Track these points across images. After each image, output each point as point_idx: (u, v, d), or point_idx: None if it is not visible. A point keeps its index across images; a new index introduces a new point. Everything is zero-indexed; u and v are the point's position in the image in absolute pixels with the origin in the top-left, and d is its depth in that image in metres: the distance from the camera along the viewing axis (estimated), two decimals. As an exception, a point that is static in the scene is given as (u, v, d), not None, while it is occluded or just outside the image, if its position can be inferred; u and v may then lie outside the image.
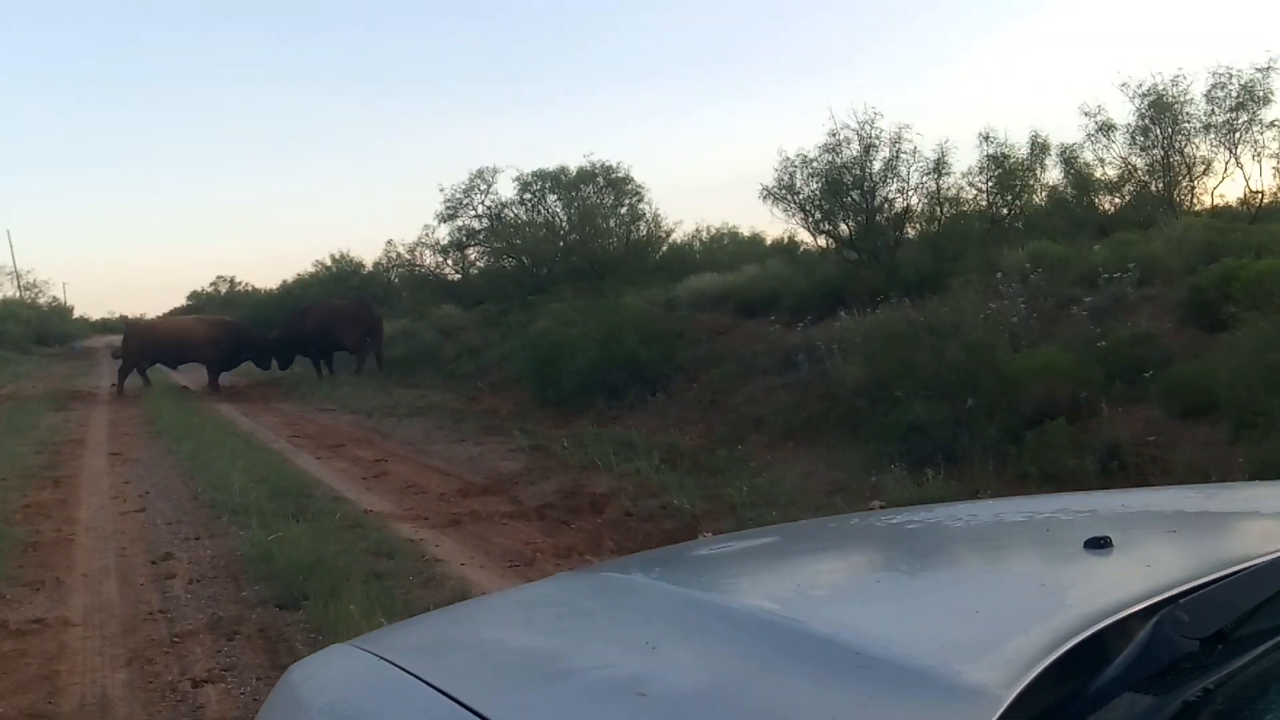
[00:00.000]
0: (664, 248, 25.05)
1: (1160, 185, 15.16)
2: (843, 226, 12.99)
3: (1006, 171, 12.58)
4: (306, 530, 6.18)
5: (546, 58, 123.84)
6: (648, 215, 24.56)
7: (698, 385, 10.76)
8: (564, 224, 24.96)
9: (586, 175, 25.19)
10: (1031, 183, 13.14)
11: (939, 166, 12.23)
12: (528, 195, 25.38)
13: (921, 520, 1.75)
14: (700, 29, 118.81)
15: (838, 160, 12.69)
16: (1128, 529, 1.44)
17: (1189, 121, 14.66)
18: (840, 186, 12.39)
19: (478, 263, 27.09)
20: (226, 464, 9.10)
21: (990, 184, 12.75)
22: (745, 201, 70.08)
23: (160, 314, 34.71)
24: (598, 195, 25.15)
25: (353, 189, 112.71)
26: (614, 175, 25.16)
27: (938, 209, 12.58)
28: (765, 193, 13.49)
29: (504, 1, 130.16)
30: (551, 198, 25.53)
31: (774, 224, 46.87)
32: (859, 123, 12.45)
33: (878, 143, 12.41)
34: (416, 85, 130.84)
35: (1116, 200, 15.73)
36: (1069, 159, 14.80)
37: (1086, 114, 14.63)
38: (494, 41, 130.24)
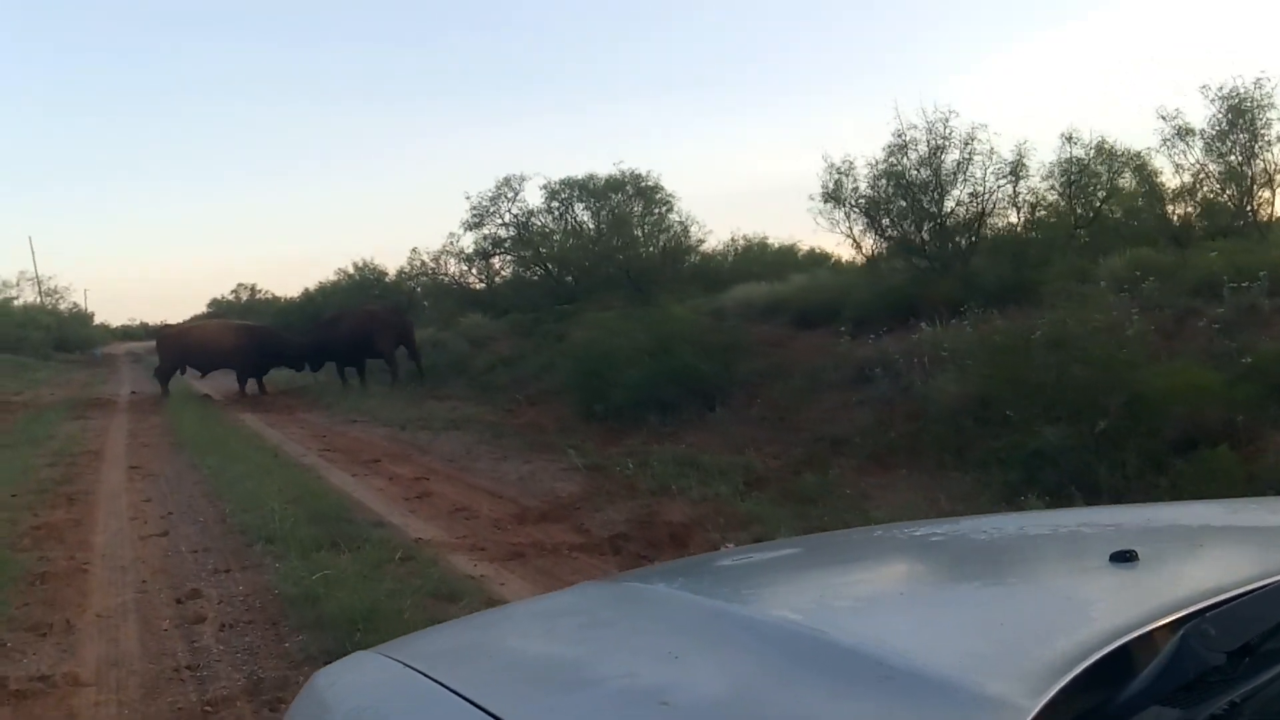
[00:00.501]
0: (695, 257, 24.31)
1: (1235, 193, 14.34)
2: (911, 232, 12.13)
3: (1090, 175, 11.72)
4: (352, 564, 5.42)
5: (571, 68, 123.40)
6: (676, 224, 23.87)
7: (760, 401, 9.96)
8: (591, 232, 24.38)
9: (616, 184, 24.69)
10: (1120, 186, 12.25)
11: (1016, 169, 11.39)
12: (555, 204, 24.95)
13: (945, 533, 1.75)
14: (718, 41, 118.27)
15: (904, 162, 11.88)
16: (1153, 542, 1.40)
17: (1268, 128, 13.86)
18: (910, 189, 11.55)
19: (502, 271, 26.68)
20: (256, 481, 8.37)
21: (1072, 188, 11.89)
22: (768, 212, 69.14)
23: (182, 321, 34.33)
24: (626, 204, 24.58)
25: (377, 198, 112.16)
26: (643, 184, 24.63)
27: (1016, 214, 11.75)
28: (825, 196, 12.69)
29: (531, 11, 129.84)
30: (579, 206, 25.09)
31: (816, 233, 46.08)
32: (928, 121, 11.65)
33: (946, 143, 11.59)
34: (443, 95, 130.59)
35: (1187, 209, 14.93)
36: (1139, 165, 13.99)
37: (1163, 118, 13.83)
38: (521, 51, 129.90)
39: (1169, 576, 1.26)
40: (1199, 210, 14.61)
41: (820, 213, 14.54)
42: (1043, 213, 11.80)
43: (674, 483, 7.32)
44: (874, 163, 11.97)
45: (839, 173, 13.52)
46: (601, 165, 30.13)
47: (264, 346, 19.53)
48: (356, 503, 7.65)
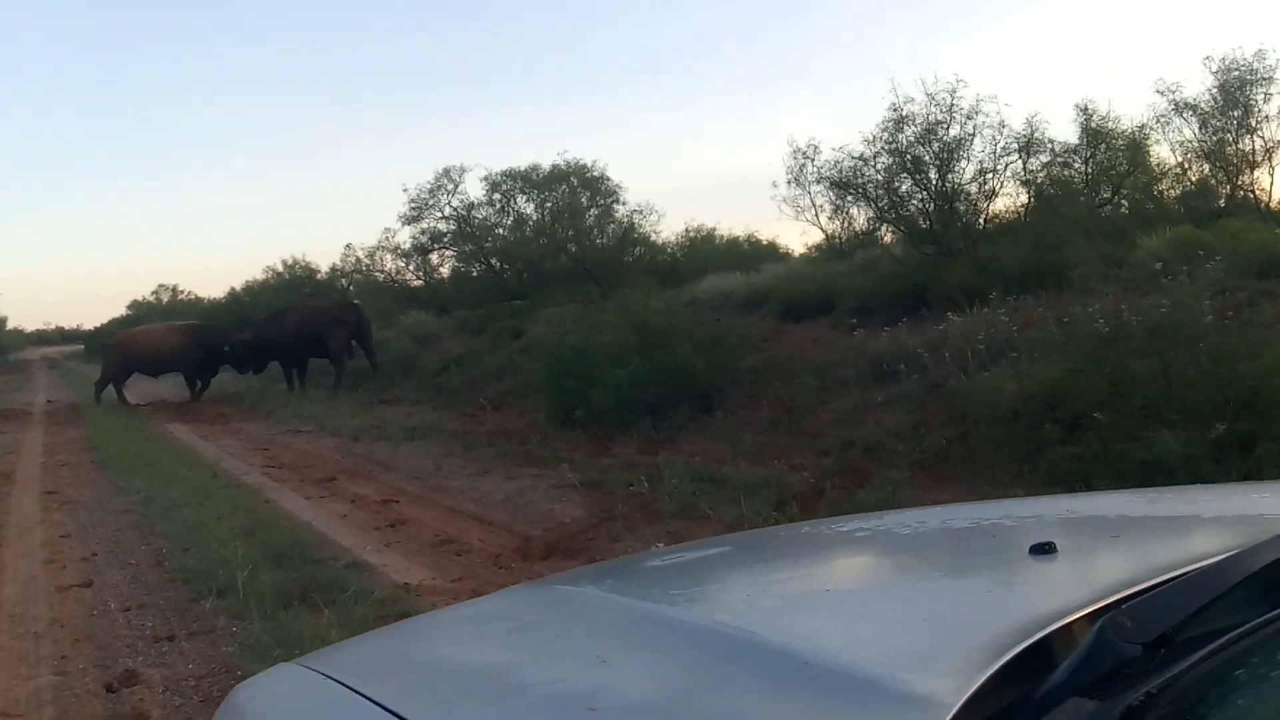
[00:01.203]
0: (641, 249, 23.31)
1: (1230, 170, 13.75)
2: (918, 215, 11.17)
3: (1111, 151, 10.94)
4: (329, 627, 4.28)
5: (513, 61, 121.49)
6: (623, 215, 22.91)
7: (766, 401, 8.95)
8: (535, 224, 23.35)
9: (560, 174, 23.67)
10: (1145, 163, 11.51)
11: (1029, 145, 10.50)
12: (497, 195, 23.91)
13: (871, 528, 1.74)
14: (660, 35, 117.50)
15: (899, 138, 10.94)
16: (1072, 534, 1.41)
17: (1268, 101, 13.28)
18: (919, 167, 10.58)
19: (441, 268, 25.62)
20: (195, 509, 7.16)
21: (1090, 166, 11.08)
22: (723, 205, 67.94)
23: (97, 325, 32.69)
24: (571, 195, 23.58)
25: (310, 196, 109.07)
26: (588, 174, 23.63)
27: (1028, 192, 10.87)
28: (829, 181, 11.77)
29: (466, 7, 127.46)
30: (522, 198, 24.07)
31: (780, 221, 45.32)
32: (928, 94, 10.71)
33: (950, 117, 10.66)
34: (379, 88, 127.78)
35: (1176, 188, 14.33)
36: (1135, 142, 13.30)
37: (1160, 92, 13.17)
38: (463, 43, 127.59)
39: (1088, 568, 1.25)
40: (1191, 188, 14.02)
41: (785, 200, 13.66)
42: (1052, 191, 10.93)
43: (698, 502, 6.27)
44: (870, 139, 10.99)
45: (805, 157, 12.62)
46: (545, 158, 28.98)
47: (210, 346, 18.42)
48: (319, 535, 6.48)
